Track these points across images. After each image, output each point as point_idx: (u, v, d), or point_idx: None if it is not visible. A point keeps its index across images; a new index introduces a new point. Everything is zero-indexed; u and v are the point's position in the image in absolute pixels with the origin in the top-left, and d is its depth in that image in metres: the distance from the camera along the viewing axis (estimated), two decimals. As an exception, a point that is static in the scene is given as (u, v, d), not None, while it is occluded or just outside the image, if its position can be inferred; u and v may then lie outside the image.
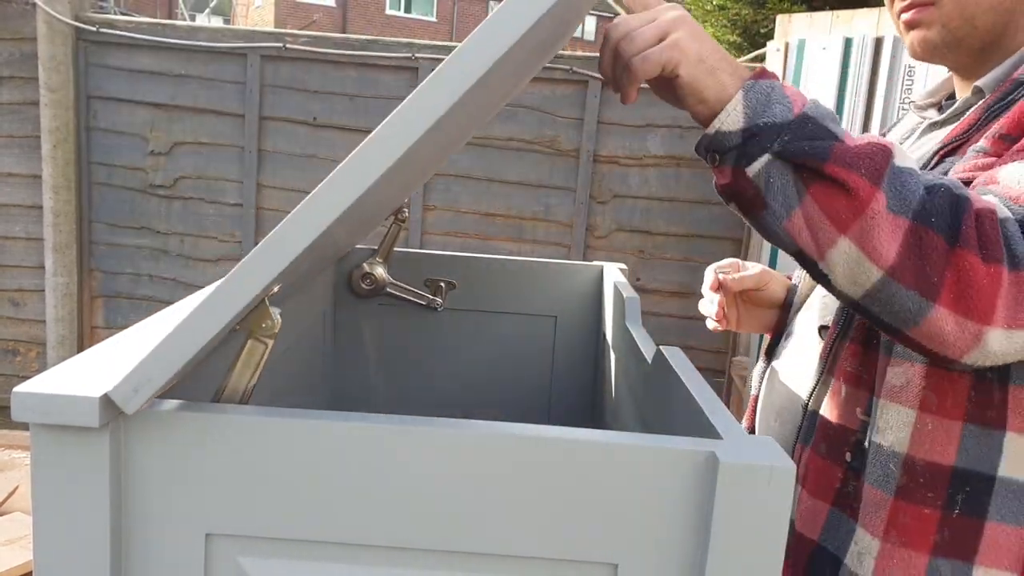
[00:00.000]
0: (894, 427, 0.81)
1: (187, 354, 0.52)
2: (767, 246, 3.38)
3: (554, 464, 0.55)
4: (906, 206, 0.67)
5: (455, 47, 3.46)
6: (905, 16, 0.89)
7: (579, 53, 3.62)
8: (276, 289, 0.58)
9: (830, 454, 0.88)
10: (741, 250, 3.52)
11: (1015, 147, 0.76)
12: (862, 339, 0.86)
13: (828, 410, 0.89)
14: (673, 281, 3.59)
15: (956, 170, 0.78)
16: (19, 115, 3.55)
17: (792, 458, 0.89)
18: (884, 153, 0.69)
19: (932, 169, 0.82)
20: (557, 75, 3.48)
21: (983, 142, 0.78)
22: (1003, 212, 0.69)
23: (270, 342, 0.60)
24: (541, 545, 0.56)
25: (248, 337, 0.60)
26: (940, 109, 0.96)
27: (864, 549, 0.83)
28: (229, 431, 0.55)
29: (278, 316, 0.60)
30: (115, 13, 8.43)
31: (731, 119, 0.72)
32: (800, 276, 1.05)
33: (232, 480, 0.55)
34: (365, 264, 1.33)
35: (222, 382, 0.61)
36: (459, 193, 3.61)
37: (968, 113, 0.85)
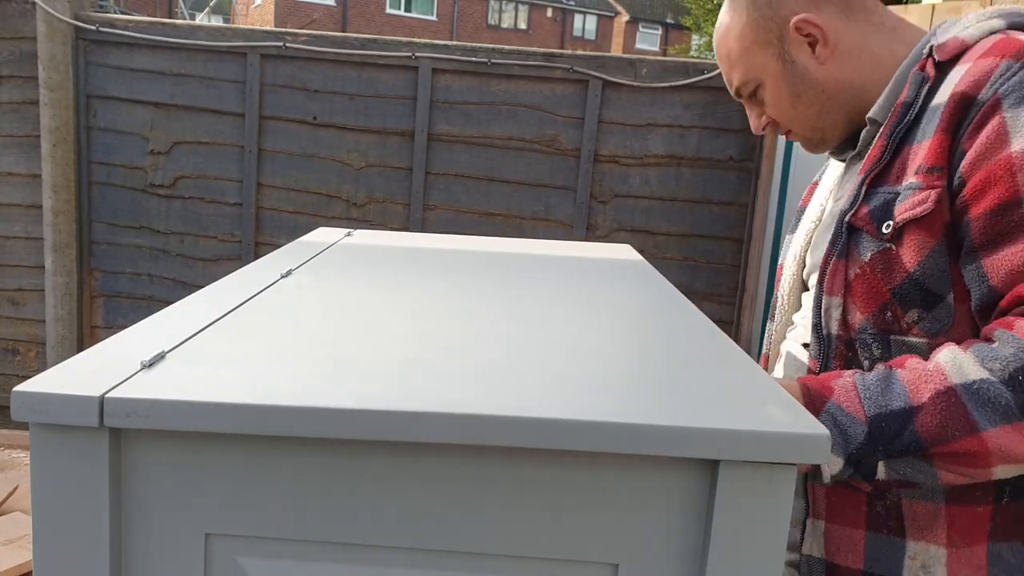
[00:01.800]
0: None
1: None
2: (768, 245, 3.38)
3: (554, 464, 0.55)
4: (1010, 412, 0.73)
5: (455, 46, 3.43)
6: (784, 135, 1.05)
7: (579, 52, 3.62)
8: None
9: (848, 483, 0.88)
10: (741, 250, 3.52)
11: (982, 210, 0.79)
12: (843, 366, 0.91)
13: None
14: (674, 281, 3.59)
15: (901, 210, 0.84)
16: (19, 114, 3.55)
17: (806, 495, 0.93)
18: (953, 398, 0.75)
19: (866, 200, 0.89)
20: (557, 74, 3.48)
21: (914, 178, 0.84)
22: None
23: None
24: (541, 545, 0.56)
25: None
26: (854, 147, 1.01)
27: (930, 560, 0.85)
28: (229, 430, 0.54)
29: None
30: (115, 12, 8.44)
31: (832, 464, 0.79)
32: (780, 295, 1.10)
33: (232, 480, 0.55)
34: None
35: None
36: (459, 193, 3.61)
37: (875, 140, 0.91)
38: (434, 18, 24.81)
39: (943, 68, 0.87)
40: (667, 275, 3.59)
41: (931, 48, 0.89)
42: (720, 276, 3.58)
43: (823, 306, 0.91)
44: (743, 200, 3.49)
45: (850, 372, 0.83)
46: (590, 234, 3.58)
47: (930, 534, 0.85)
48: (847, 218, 0.90)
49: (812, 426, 0.54)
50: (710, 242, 3.56)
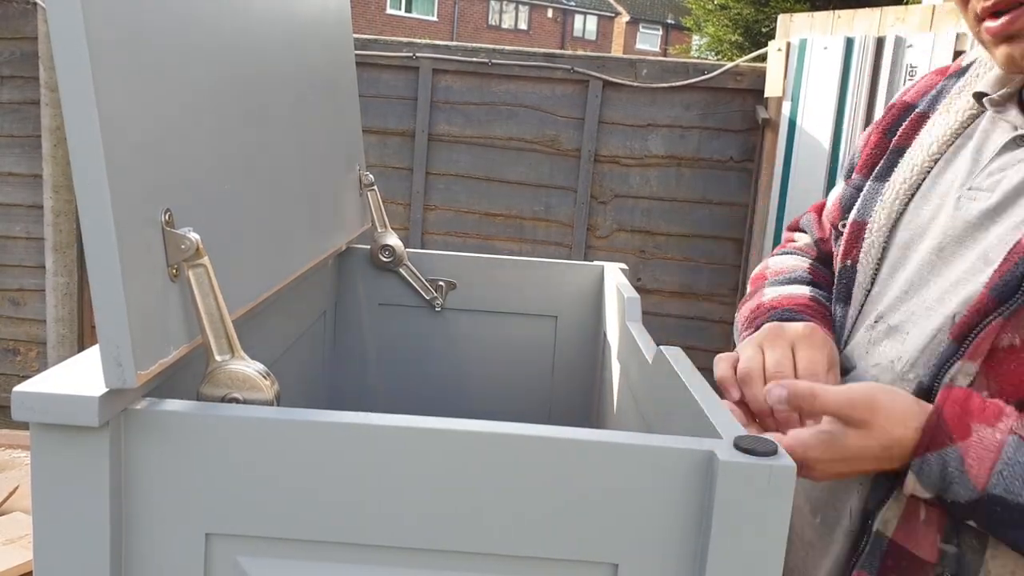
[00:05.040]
0: (1019, 573, 0.66)
1: (119, 302, 0.51)
2: (768, 246, 3.38)
3: (554, 464, 0.55)
4: None
5: (456, 46, 3.43)
6: (992, 24, 0.68)
7: (580, 53, 3.62)
8: (166, 217, 0.58)
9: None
10: (742, 250, 3.52)
11: None
12: None
13: (904, 536, 0.71)
14: (674, 281, 3.59)
15: None
16: (20, 114, 3.55)
17: (881, 558, 0.72)
18: None
19: None
20: (558, 75, 3.48)
21: None
22: None
23: (204, 258, 0.60)
24: (541, 545, 0.56)
25: (186, 270, 0.60)
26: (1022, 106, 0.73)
27: None
28: (229, 430, 0.55)
29: (190, 233, 0.60)
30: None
31: (918, 489, 0.65)
32: (862, 267, 0.82)
33: (232, 480, 0.55)
34: (376, 237, 1.34)
35: (197, 321, 0.61)
36: (459, 193, 3.61)
37: None
38: (434, 18, 24.81)
39: None
40: (668, 275, 3.59)
41: None
42: (720, 276, 3.58)
43: (951, 369, 0.67)
44: (743, 200, 3.49)
45: (1014, 419, 0.62)
46: (590, 234, 3.58)
47: None
48: None
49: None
50: (710, 242, 3.56)
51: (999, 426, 0.62)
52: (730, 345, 3.55)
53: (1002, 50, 0.68)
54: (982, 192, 0.71)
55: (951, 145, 0.77)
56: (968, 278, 0.69)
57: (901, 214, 0.79)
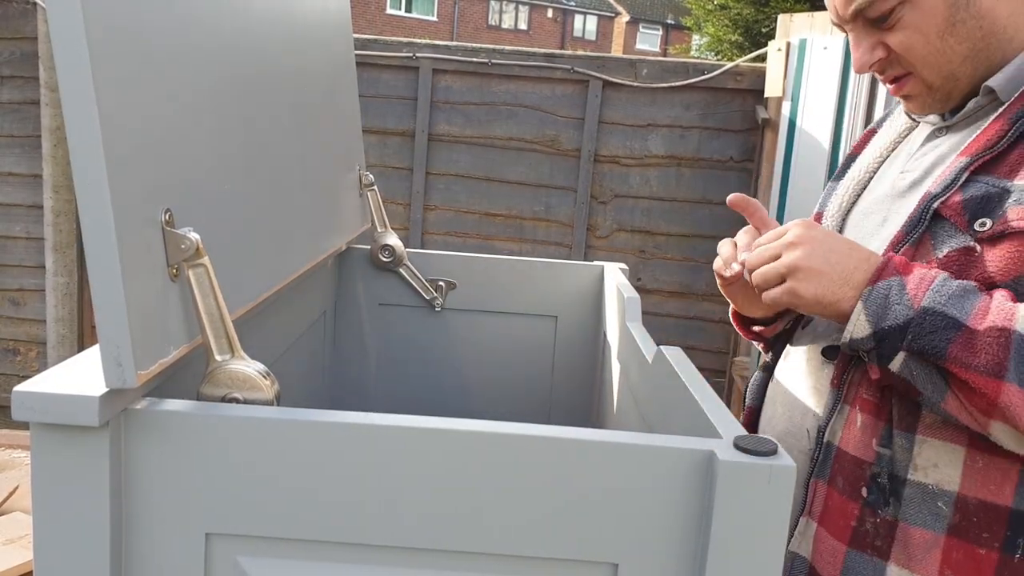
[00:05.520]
0: (940, 465, 0.78)
1: (120, 302, 0.52)
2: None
3: (554, 464, 0.55)
4: None
5: (456, 46, 3.43)
6: (891, 87, 0.89)
7: (580, 53, 3.62)
8: (166, 217, 0.59)
9: (846, 489, 0.84)
10: (741, 250, 3.52)
11: None
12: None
13: (845, 442, 0.85)
14: (674, 281, 3.59)
15: (1018, 215, 0.75)
16: (20, 114, 3.55)
17: (807, 493, 0.87)
18: (1004, 338, 0.70)
19: (963, 187, 0.79)
20: (558, 75, 3.48)
21: None
22: None
23: (204, 258, 0.61)
24: (541, 545, 0.56)
25: (186, 270, 0.61)
26: (942, 115, 0.91)
27: None
28: (229, 430, 0.55)
29: (191, 233, 0.60)
30: (116, 13, 8.40)
31: (858, 328, 0.77)
32: None
33: (232, 480, 0.55)
34: (376, 237, 1.34)
35: (197, 321, 0.61)
36: (459, 193, 3.61)
37: (990, 120, 0.82)
38: (434, 18, 24.81)
39: None
40: (667, 275, 3.59)
41: None
42: (720, 276, 3.58)
43: None
44: (743, 200, 3.49)
45: (943, 273, 0.77)
46: (590, 234, 3.58)
47: (919, 564, 0.78)
48: (935, 204, 0.80)
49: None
50: (710, 242, 3.56)
51: (932, 271, 0.77)
52: (730, 345, 3.55)
53: (904, 104, 0.94)
54: (910, 172, 0.90)
55: (892, 151, 0.97)
56: (895, 231, 0.85)
57: (853, 203, 0.97)
